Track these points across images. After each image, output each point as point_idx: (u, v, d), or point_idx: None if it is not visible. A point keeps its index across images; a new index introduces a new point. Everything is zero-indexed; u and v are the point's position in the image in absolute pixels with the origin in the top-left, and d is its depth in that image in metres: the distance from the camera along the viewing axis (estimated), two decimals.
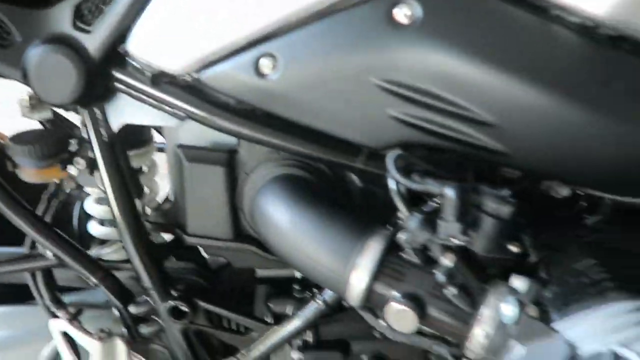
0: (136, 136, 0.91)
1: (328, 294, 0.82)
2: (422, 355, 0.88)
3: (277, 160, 0.81)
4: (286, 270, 0.92)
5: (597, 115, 0.60)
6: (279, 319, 0.90)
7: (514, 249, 0.68)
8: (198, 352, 0.91)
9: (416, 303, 0.66)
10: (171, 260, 0.94)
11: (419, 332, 0.73)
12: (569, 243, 0.70)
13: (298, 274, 0.92)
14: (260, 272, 0.96)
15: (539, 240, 0.74)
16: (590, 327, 0.52)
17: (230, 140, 0.82)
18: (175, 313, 0.87)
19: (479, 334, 0.63)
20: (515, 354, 0.59)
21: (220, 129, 0.75)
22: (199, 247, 0.91)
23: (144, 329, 0.90)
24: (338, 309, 0.86)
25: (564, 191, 0.78)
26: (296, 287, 0.92)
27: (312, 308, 0.84)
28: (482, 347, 0.62)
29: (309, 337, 0.90)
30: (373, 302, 0.68)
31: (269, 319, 0.91)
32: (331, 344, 0.89)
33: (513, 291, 0.63)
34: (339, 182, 0.81)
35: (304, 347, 0.89)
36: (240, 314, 0.90)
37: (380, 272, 0.67)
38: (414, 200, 0.68)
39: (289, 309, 0.90)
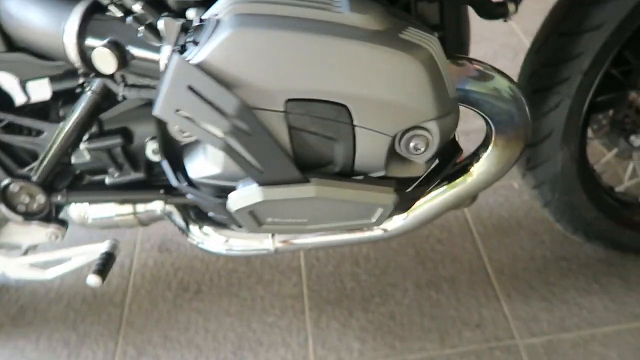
0: None
1: (94, 84, 0.94)
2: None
3: None
4: (73, 81, 1.04)
5: None
6: None
7: None
8: (4, 162, 1.03)
9: (116, 46, 0.78)
10: None
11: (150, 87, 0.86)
12: None
13: (80, 80, 1.03)
14: (55, 88, 1.06)
15: None
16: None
17: None
18: None
19: (162, 61, 0.76)
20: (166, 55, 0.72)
21: None
22: None
23: None
24: (106, 94, 0.98)
25: None
26: (78, 90, 1.03)
27: (84, 99, 0.97)
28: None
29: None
30: (87, 58, 0.80)
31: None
32: (113, 132, 1.01)
33: (186, 21, 0.76)
34: None
35: (89, 138, 1.01)
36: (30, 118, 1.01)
37: (85, 28, 0.79)
38: None
39: None
